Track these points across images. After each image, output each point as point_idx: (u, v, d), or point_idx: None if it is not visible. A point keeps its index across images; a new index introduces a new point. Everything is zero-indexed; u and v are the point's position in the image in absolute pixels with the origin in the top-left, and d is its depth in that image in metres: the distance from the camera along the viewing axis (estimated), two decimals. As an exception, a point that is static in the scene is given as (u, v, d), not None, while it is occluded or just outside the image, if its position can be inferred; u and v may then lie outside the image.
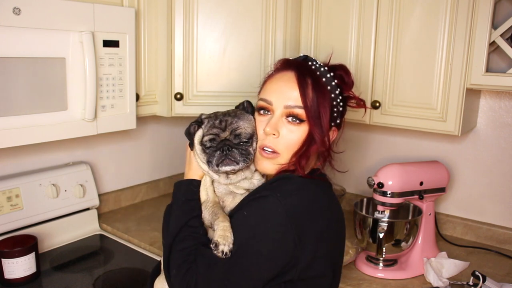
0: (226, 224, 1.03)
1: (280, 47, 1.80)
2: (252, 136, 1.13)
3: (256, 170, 1.16)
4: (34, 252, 1.53)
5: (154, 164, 2.29)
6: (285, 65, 1.15)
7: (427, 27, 1.54)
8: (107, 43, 1.52)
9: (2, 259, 1.48)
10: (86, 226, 1.92)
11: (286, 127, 1.08)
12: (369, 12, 1.65)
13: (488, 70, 1.47)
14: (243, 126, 1.12)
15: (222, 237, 1.00)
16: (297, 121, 1.07)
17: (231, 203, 1.15)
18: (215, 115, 1.16)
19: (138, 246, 1.82)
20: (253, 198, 1.05)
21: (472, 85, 1.49)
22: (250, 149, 1.12)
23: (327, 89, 1.09)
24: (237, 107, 1.21)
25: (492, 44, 1.47)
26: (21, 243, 1.52)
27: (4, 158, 1.72)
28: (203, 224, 1.11)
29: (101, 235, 1.92)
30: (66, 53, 1.42)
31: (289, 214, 0.99)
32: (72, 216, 1.86)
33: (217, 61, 1.79)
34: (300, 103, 1.07)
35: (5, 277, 1.49)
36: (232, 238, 1.01)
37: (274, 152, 1.09)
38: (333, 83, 1.11)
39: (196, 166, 1.18)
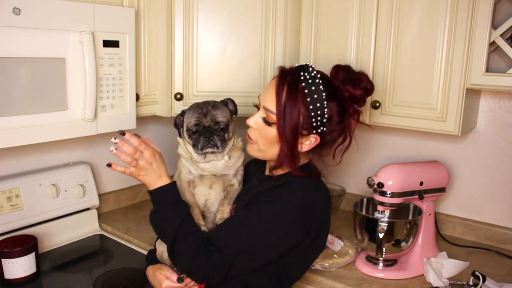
0: None
1: (280, 47, 1.80)
2: (229, 126, 1.35)
3: (226, 155, 1.37)
4: (34, 252, 1.53)
5: (154, 164, 2.29)
6: (278, 70, 1.27)
7: (427, 27, 1.54)
8: (107, 43, 1.52)
9: (2, 259, 1.48)
10: (86, 226, 1.92)
11: (263, 124, 1.24)
12: (369, 12, 1.65)
13: (488, 70, 1.47)
14: (221, 115, 1.33)
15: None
16: (267, 123, 1.23)
17: (199, 185, 1.38)
18: (197, 104, 1.35)
19: (138, 246, 1.83)
20: (267, 200, 1.23)
21: (472, 85, 1.49)
22: (226, 135, 1.34)
23: (303, 99, 1.17)
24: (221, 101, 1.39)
25: (492, 44, 1.47)
26: (21, 243, 1.52)
27: (4, 158, 1.72)
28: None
29: (101, 235, 1.92)
30: (66, 53, 1.42)
31: (300, 215, 1.19)
32: (72, 216, 1.86)
33: (217, 61, 1.79)
34: (272, 107, 1.20)
35: (5, 277, 1.50)
36: None
37: (252, 140, 1.29)
38: (315, 95, 1.17)
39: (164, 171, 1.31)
